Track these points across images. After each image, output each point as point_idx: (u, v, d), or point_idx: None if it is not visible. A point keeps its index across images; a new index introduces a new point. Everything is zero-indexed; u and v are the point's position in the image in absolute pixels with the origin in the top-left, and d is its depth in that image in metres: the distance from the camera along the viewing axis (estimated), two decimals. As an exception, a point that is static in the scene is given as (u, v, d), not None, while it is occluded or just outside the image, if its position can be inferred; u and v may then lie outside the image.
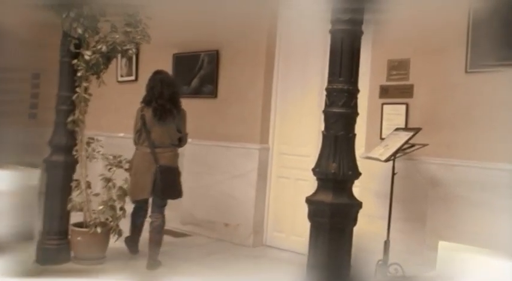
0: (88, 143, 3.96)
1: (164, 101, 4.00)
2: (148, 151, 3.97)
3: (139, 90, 6.15)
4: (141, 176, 3.94)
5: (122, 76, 6.29)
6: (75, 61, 3.83)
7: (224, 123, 5.19)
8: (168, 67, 5.66)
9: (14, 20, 4.07)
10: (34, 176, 4.00)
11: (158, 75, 4.16)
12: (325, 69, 4.63)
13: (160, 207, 4.08)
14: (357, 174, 2.27)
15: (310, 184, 4.67)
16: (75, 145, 3.94)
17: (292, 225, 4.77)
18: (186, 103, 5.55)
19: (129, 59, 6.14)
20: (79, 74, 3.84)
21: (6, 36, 4.10)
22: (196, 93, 5.43)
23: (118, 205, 3.93)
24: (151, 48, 5.95)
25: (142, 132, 4.05)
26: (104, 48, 3.84)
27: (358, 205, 2.26)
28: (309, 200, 2.29)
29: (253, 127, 4.94)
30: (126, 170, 4.04)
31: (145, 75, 6.05)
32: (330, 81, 2.30)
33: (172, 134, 4.08)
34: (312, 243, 2.24)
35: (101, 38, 3.87)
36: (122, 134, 6.23)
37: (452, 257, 2.07)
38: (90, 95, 3.97)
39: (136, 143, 4.14)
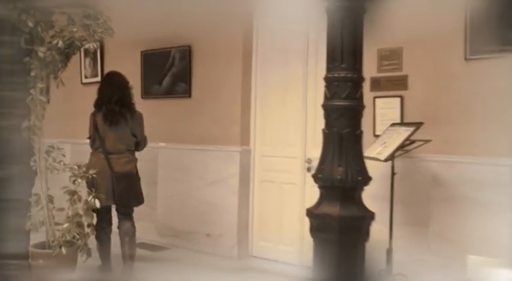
0: (48, 152, 3.48)
1: (113, 105, 3.75)
2: (102, 157, 3.75)
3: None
4: (99, 182, 3.60)
5: (86, 77, 5.79)
6: (27, 59, 3.35)
7: (200, 125, 4.77)
8: (136, 66, 5.22)
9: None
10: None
11: (107, 77, 3.97)
12: (308, 63, 4.34)
13: (125, 214, 3.88)
14: (367, 179, 1.89)
15: (297, 188, 4.30)
16: (33, 154, 3.46)
17: (279, 233, 4.38)
18: (157, 104, 5.14)
19: (94, 59, 5.65)
20: (32, 73, 3.36)
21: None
22: (169, 93, 4.98)
23: (85, 222, 3.46)
24: (117, 46, 5.50)
25: (96, 137, 3.84)
26: (61, 44, 3.37)
27: (371, 216, 1.88)
28: (311, 213, 1.89)
29: (233, 128, 4.54)
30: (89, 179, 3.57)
31: (111, 76, 5.60)
32: (329, 69, 1.91)
33: (126, 139, 3.82)
34: (316, 264, 1.85)
35: (57, 32, 3.39)
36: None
37: (483, 272, 1.72)
38: (47, 97, 3.50)
39: (92, 148, 3.93)
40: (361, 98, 1.91)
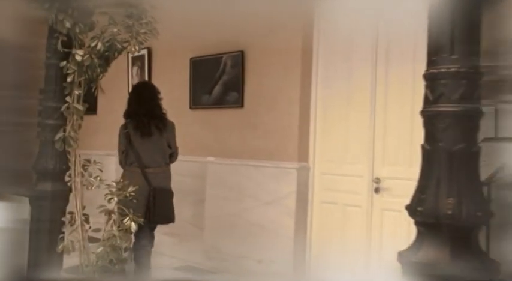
0: (84, 167, 3.11)
1: (143, 117, 3.62)
2: (139, 172, 3.58)
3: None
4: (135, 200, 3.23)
5: (133, 87, 5.48)
6: (63, 63, 3.01)
7: (253, 138, 4.31)
8: (185, 74, 4.85)
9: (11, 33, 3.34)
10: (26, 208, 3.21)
11: (136, 88, 3.88)
12: (377, 68, 3.80)
13: (151, 231, 3.76)
14: (489, 215, 1.35)
15: (362, 211, 3.74)
16: (68, 169, 3.11)
17: (341, 262, 3.82)
18: (206, 115, 4.73)
19: (141, 67, 5.35)
20: (69, 79, 3.01)
21: (7, 53, 3.37)
22: (219, 103, 4.57)
23: (123, 245, 3.05)
24: (166, 53, 5.18)
25: (129, 151, 3.65)
26: (100, 46, 3.02)
27: (496, 268, 1.32)
28: (406, 259, 1.37)
29: (289, 142, 4.05)
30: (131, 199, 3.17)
31: (159, 84, 5.26)
32: (432, 63, 1.40)
33: (163, 151, 3.68)
34: None
35: (96, 34, 3.05)
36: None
37: None
38: (84, 105, 3.15)
39: (123, 164, 3.74)
40: (478, 100, 1.38)
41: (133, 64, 5.45)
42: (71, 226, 3.09)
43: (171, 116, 5.11)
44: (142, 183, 3.50)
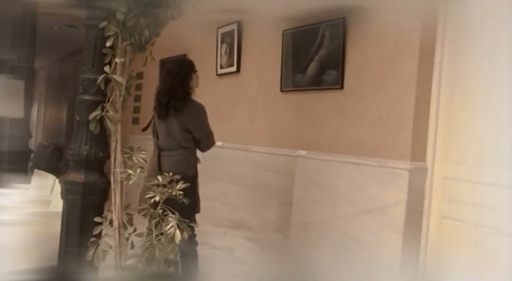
0: (128, 155, 2.47)
1: (162, 96, 3.26)
2: (156, 155, 3.32)
3: (243, 86, 4.67)
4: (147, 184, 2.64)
5: (221, 67, 4.83)
6: (104, 23, 2.39)
7: (354, 128, 3.38)
8: (277, 51, 4.06)
9: None
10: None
11: (166, 64, 3.67)
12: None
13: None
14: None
15: (503, 236, 2.64)
16: (108, 157, 2.50)
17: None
18: (299, 99, 3.88)
19: (230, 45, 4.66)
20: (108, 43, 2.39)
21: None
22: (314, 84, 3.70)
23: (163, 257, 2.34)
24: (257, 27, 4.43)
25: (154, 133, 3.39)
26: (146, 1, 2.35)
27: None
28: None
29: (401, 134, 3.05)
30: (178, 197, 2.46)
31: (249, 65, 4.55)
32: None
33: (177, 134, 3.24)
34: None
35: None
36: (220, 143, 4.76)
37: None
38: (132, 78, 2.51)
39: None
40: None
41: (222, 41, 4.78)
42: (112, 227, 2.49)
43: (258, 101, 4.39)
44: (154, 167, 3.22)
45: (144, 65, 2.52)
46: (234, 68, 4.61)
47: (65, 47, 9.98)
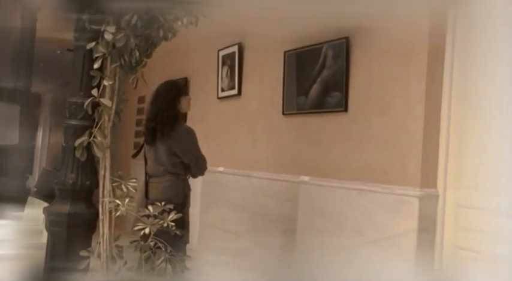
0: (117, 183, 2.31)
1: (150, 121, 3.16)
2: (144, 182, 3.18)
3: (244, 109, 4.53)
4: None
5: (223, 90, 4.70)
6: (92, 45, 2.26)
7: (359, 152, 3.21)
8: (279, 72, 3.93)
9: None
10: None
11: (156, 88, 3.29)
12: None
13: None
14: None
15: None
16: (96, 185, 2.34)
17: None
18: (301, 123, 3.72)
19: (231, 67, 4.54)
20: (96, 65, 2.26)
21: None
22: (317, 106, 3.55)
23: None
24: (258, 48, 4.31)
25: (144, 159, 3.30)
26: (135, 20, 2.22)
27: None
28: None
29: (410, 158, 2.87)
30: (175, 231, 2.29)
31: (250, 87, 4.42)
32: None
33: (164, 160, 3.10)
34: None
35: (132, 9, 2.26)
36: (221, 169, 4.61)
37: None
38: (123, 101, 2.37)
39: None
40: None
41: (223, 63, 4.67)
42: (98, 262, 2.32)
43: (260, 124, 4.23)
44: (141, 195, 3.08)
45: (135, 87, 2.38)
46: (235, 91, 4.48)
47: (68, 72, 9.97)
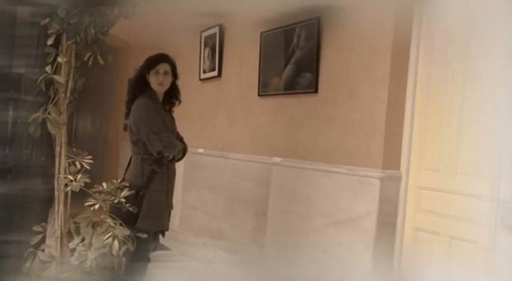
0: (71, 159, 2.33)
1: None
2: None
3: (223, 90, 4.52)
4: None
5: (204, 72, 4.69)
6: (46, 20, 2.27)
7: (328, 135, 3.20)
8: (257, 53, 3.91)
9: None
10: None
11: None
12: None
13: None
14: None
15: (478, 250, 2.44)
16: (52, 162, 2.36)
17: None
18: (275, 105, 3.73)
19: (213, 48, 4.52)
20: (49, 41, 2.26)
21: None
22: (290, 87, 3.54)
23: (98, 274, 2.18)
24: (238, 29, 4.29)
25: None
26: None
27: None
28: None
29: (373, 140, 2.87)
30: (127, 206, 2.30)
31: (230, 69, 4.41)
32: None
33: (131, 140, 2.98)
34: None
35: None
36: (201, 150, 4.63)
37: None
38: (79, 79, 2.38)
39: None
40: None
41: (205, 45, 4.65)
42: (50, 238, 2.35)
43: (238, 106, 4.23)
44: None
45: (90, 64, 2.39)
46: (215, 73, 4.47)
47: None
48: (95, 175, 2.40)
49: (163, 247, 4.26)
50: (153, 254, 2.96)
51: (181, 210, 4.88)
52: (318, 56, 3.27)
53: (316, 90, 3.29)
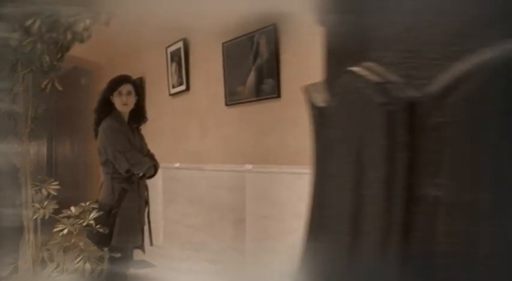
0: (37, 187, 2.35)
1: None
2: None
3: (193, 103, 4.57)
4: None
5: (173, 87, 4.73)
6: (-2, 52, 2.30)
7: (293, 138, 3.26)
8: (220, 63, 3.96)
9: None
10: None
11: None
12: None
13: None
14: None
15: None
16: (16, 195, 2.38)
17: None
18: (241, 112, 3.78)
19: (178, 62, 4.57)
20: (3, 72, 2.29)
21: None
22: (254, 94, 3.59)
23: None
24: (201, 42, 4.35)
25: None
26: (39, 25, 2.25)
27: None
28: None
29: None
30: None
31: (197, 82, 4.46)
32: None
33: (101, 161, 3.06)
34: None
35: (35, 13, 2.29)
36: (177, 165, 4.66)
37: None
38: (42, 106, 2.41)
39: None
40: None
41: (172, 60, 4.69)
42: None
43: (208, 117, 4.28)
44: None
45: (47, 92, 2.41)
46: (184, 87, 4.51)
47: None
48: (77, 199, 2.44)
49: (147, 264, 4.28)
50: (137, 273, 3.00)
51: (164, 226, 4.89)
52: (277, 61, 3.34)
53: (279, 95, 3.35)
